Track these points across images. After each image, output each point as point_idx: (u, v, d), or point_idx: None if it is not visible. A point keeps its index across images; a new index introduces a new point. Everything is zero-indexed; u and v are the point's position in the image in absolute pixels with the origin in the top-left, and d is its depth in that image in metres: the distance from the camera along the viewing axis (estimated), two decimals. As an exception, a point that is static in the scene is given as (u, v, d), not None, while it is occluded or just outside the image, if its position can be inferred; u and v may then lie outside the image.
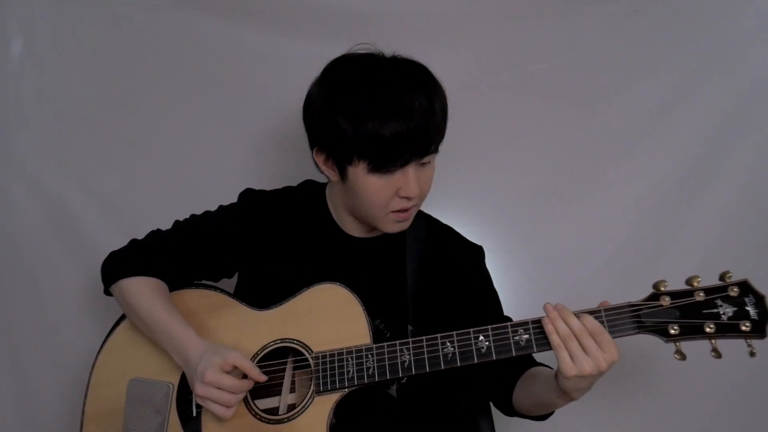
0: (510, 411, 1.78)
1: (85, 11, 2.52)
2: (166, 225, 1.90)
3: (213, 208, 1.91)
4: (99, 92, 2.55)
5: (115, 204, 2.53)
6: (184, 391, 1.71)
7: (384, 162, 1.57)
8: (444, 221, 1.97)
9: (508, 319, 1.79)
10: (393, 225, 1.71)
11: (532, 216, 2.52)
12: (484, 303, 1.87)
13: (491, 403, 1.87)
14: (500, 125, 2.53)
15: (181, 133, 2.56)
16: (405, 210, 1.67)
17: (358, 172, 1.60)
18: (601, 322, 1.45)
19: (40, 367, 2.51)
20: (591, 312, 1.47)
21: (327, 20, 2.50)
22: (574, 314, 1.45)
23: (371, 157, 1.57)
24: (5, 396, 2.50)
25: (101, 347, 1.85)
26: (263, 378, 1.63)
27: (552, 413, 1.75)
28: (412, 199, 1.64)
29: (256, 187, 1.94)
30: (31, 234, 2.52)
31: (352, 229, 1.83)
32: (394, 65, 1.63)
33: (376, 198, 1.64)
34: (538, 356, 1.68)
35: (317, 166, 1.73)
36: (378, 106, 1.53)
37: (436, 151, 1.65)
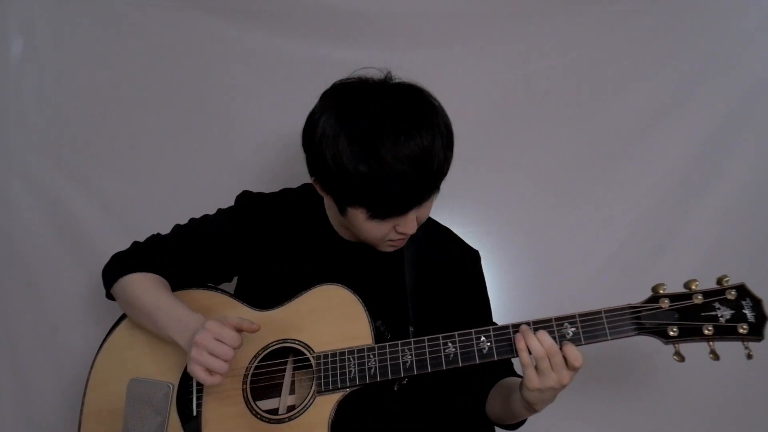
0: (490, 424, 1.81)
1: (85, 11, 2.52)
2: (165, 224, 1.91)
3: (212, 208, 1.92)
4: (99, 92, 2.55)
5: (114, 204, 2.53)
6: (184, 391, 1.72)
7: (384, 213, 1.58)
8: (443, 222, 1.98)
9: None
10: (388, 248, 1.75)
11: (532, 216, 2.52)
12: (473, 307, 1.88)
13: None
14: (500, 125, 2.53)
15: (181, 133, 2.56)
16: (401, 238, 1.70)
17: (357, 215, 1.61)
18: (602, 324, 1.47)
19: (40, 367, 2.50)
20: (590, 314, 1.49)
21: (327, 20, 2.50)
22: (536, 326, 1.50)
23: (371, 207, 1.57)
24: (5, 396, 2.49)
25: (100, 347, 1.85)
26: (255, 327, 1.62)
27: (523, 422, 1.76)
28: (409, 233, 1.66)
29: (256, 188, 1.94)
30: (31, 234, 2.51)
31: (350, 235, 1.83)
32: (397, 102, 1.57)
33: (374, 235, 1.66)
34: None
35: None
36: (380, 156, 1.49)
37: (437, 191, 1.64)
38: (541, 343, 1.47)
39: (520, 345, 1.48)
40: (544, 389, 1.48)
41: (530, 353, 1.47)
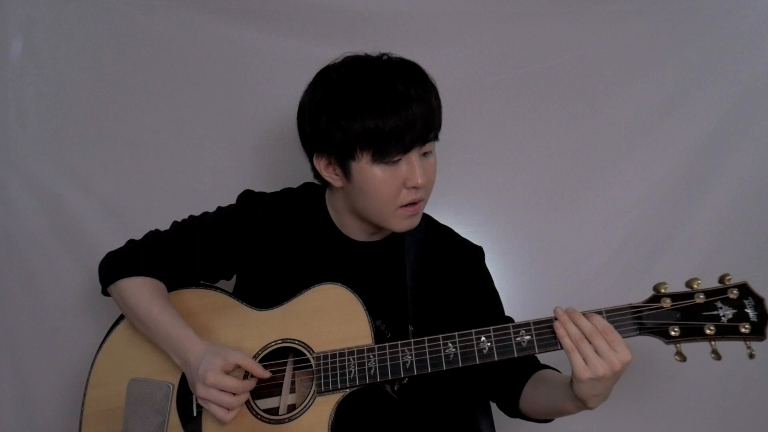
0: (514, 412, 1.77)
1: (84, 11, 2.51)
2: (165, 225, 1.90)
3: (212, 208, 1.91)
4: (99, 92, 2.54)
5: (114, 204, 2.53)
6: (184, 391, 1.71)
7: (387, 149, 1.57)
8: (444, 221, 1.97)
9: (509, 319, 1.79)
10: (402, 222, 1.69)
11: (533, 216, 2.52)
12: (484, 304, 1.87)
13: (495, 404, 1.85)
14: (500, 125, 2.53)
15: (181, 133, 2.55)
16: (413, 204, 1.66)
17: (362, 165, 1.60)
18: None
19: (40, 367, 2.50)
20: (594, 313, 1.48)
21: (327, 20, 2.50)
22: (583, 314, 1.46)
23: (374, 146, 1.57)
24: (5, 396, 2.49)
25: (100, 347, 1.85)
26: (267, 374, 1.63)
27: (552, 419, 1.75)
28: (419, 189, 1.64)
29: (256, 187, 1.94)
30: (31, 234, 2.51)
31: (353, 232, 1.83)
32: (385, 63, 1.65)
33: (384, 192, 1.63)
34: (542, 358, 1.68)
35: (317, 173, 1.74)
36: (375, 98, 1.55)
37: (436, 138, 1.66)
38: (579, 326, 1.44)
39: (560, 331, 1.45)
40: (597, 378, 1.42)
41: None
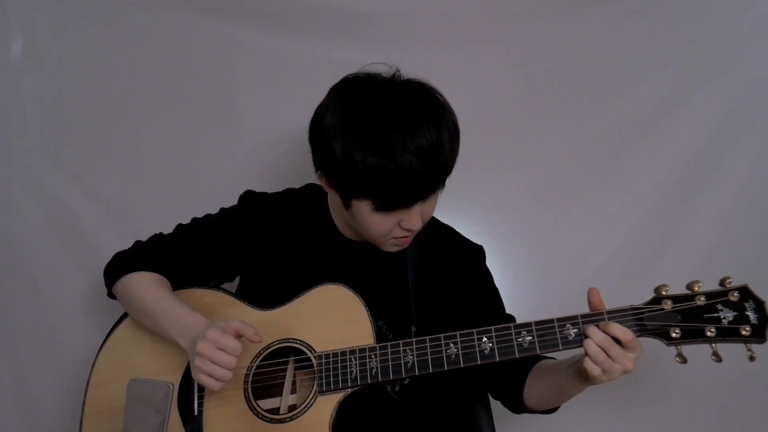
0: (519, 407, 1.77)
1: (85, 11, 2.51)
2: (166, 224, 1.91)
3: (213, 208, 1.92)
4: (99, 92, 2.54)
5: (114, 204, 2.53)
6: (185, 391, 1.72)
7: (390, 205, 1.58)
8: (444, 221, 1.97)
9: (511, 317, 1.81)
10: (392, 247, 1.74)
11: (533, 216, 2.52)
12: (485, 303, 1.87)
13: (500, 402, 1.85)
14: (500, 125, 2.53)
15: (181, 133, 2.55)
16: (405, 236, 1.69)
17: (363, 207, 1.60)
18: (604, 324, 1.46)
19: (40, 367, 2.50)
20: (592, 315, 1.49)
21: (327, 20, 2.50)
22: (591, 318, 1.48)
23: (377, 199, 1.57)
24: (5, 396, 2.49)
25: (101, 346, 1.85)
26: (258, 339, 1.62)
27: (558, 407, 1.74)
28: (414, 230, 1.66)
29: (257, 188, 1.94)
30: (31, 234, 2.51)
31: (353, 234, 1.83)
32: (406, 97, 1.58)
33: (378, 230, 1.65)
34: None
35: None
36: (388, 147, 1.50)
37: (442, 186, 1.65)
38: (594, 340, 1.44)
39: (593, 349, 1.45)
40: (610, 378, 1.45)
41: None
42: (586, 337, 1.46)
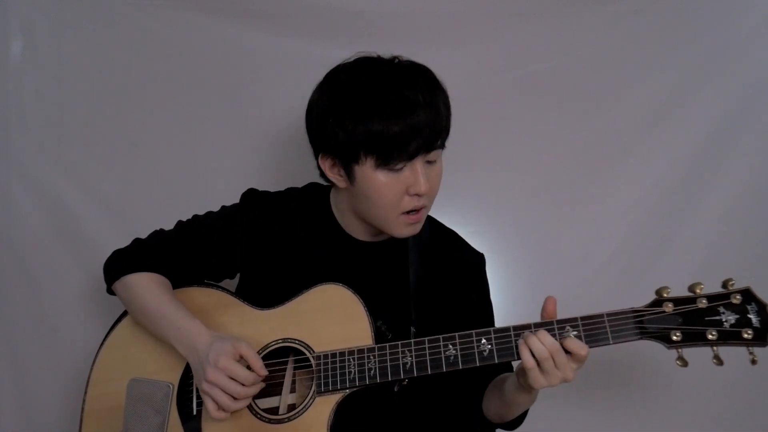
0: (485, 424, 1.79)
1: (85, 11, 2.51)
2: (166, 224, 1.90)
3: (213, 207, 1.91)
4: (99, 92, 2.54)
5: (115, 204, 2.53)
6: (184, 390, 1.72)
7: (391, 155, 1.57)
8: (444, 221, 1.97)
9: None
10: (403, 228, 1.69)
11: (533, 216, 2.52)
12: (475, 311, 1.87)
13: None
14: (500, 125, 2.53)
15: (182, 133, 2.55)
16: (416, 211, 1.66)
17: (366, 170, 1.60)
18: (604, 328, 1.47)
19: (40, 367, 2.50)
20: (592, 317, 1.49)
21: (327, 20, 2.50)
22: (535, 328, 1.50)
23: (378, 151, 1.57)
24: (5, 396, 2.49)
25: (101, 346, 1.85)
26: (264, 372, 1.62)
27: (523, 419, 1.76)
28: (422, 196, 1.63)
29: (258, 187, 1.93)
30: (31, 234, 2.51)
31: (357, 232, 1.83)
32: (395, 66, 1.64)
33: (386, 197, 1.63)
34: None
35: (323, 173, 1.73)
36: (382, 103, 1.54)
37: (442, 146, 1.66)
38: (543, 343, 1.45)
39: (522, 348, 1.47)
40: (549, 387, 1.48)
41: (533, 355, 1.46)
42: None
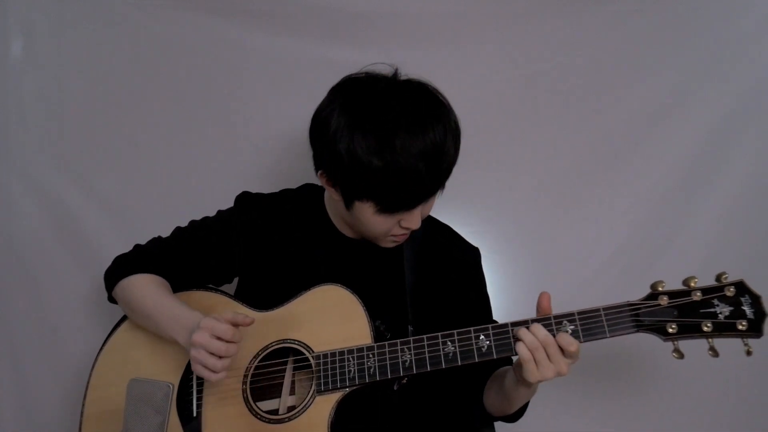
0: (486, 416, 1.80)
1: (85, 11, 2.51)
2: (165, 224, 1.91)
3: (214, 207, 1.92)
4: (99, 92, 2.54)
5: (115, 204, 2.53)
6: (185, 391, 1.72)
7: (393, 207, 1.60)
8: (445, 221, 1.98)
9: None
10: (389, 243, 1.76)
11: (532, 216, 2.51)
12: (474, 306, 1.88)
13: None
14: (500, 125, 2.53)
15: (181, 133, 2.55)
16: (404, 233, 1.71)
17: (365, 209, 1.61)
18: (600, 322, 1.48)
19: (40, 368, 2.50)
20: (589, 311, 1.49)
21: (327, 20, 2.50)
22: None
23: (381, 201, 1.58)
24: (5, 396, 2.49)
25: (101, 348, 1.85)
26: (249, 320, 1.62)
27: (524, 412, 1.76)
28: (413, 229, 1.68)
29: (255, 189, 1.94)
30: (31, 234, 2.51)
31: (351, 231, 1.84)
32: (409, 99, 1.59)
33: (379, 230, 1.67)
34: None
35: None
36: (394, 150, 1.51)
37: (443, 187, 1.67)
38: (535, 334, 1.47)
39: (518, 341, 1.49)
40: (544, 380, 1.48)
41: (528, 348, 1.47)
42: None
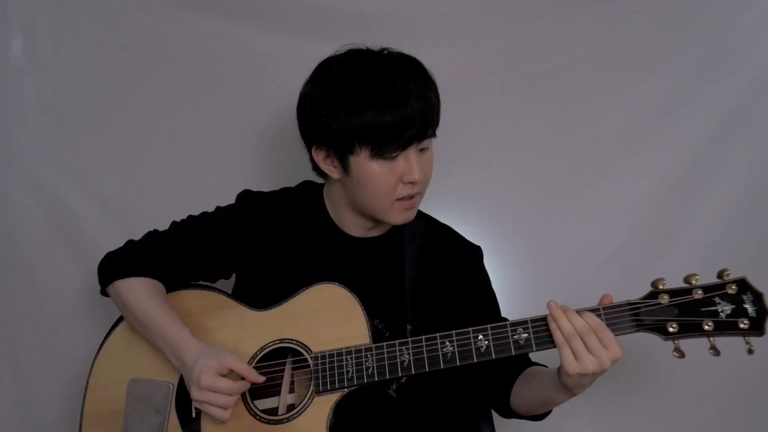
0: (507, 412, 1.79)
1: (85, 11, 2.52)
2: (165, 224, 1.90)
3: (212, 207, 1.92)
4: (99, 92, 2.55)
5: (114, 204, 2.53)
6: (184, 391, 1.71)
7: (385, 146, 1.59)
8: (443, 221, 1.97)
9: (506, 320, 1.80)
10: (399, 214, 1.71)
11: (532, 216, 2.52)
12: (481, 304, 1.87)
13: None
14: (500, 125, 2.53)
15: (181, 133, 2.56)
16: (410, 197, 1.68)
17: (361, 160, 1.61)
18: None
19: (39, 368, 2.50)
20: (590, 310, 1.48)
21: (327, 20, 2.50)
22: (577, 312, 1.46)
23: (373, 141, 1.58)
24: (5, 396, 2.49)
25: (100, 348, 1.85)
26: (261, 379, 1.63)
27: (548, 413, 1.75)
28: (416, 184, 1.65)
29: (255, 187, 1.94)
30: (31, 234, 2.51)
31: (351, 228, 1.83)
32: (385, 57, 1.66)
33: (381, 186, 1.64)
34: (538, 356, 1.67)
35: (316, 165, 1.74)
36: (375, 94, 1.56)
37: (433, 135, 1.68)
38: (572, 323, 1.45)
39: (552, 325, 1.47)
40: (585, 374, 1.44)
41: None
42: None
